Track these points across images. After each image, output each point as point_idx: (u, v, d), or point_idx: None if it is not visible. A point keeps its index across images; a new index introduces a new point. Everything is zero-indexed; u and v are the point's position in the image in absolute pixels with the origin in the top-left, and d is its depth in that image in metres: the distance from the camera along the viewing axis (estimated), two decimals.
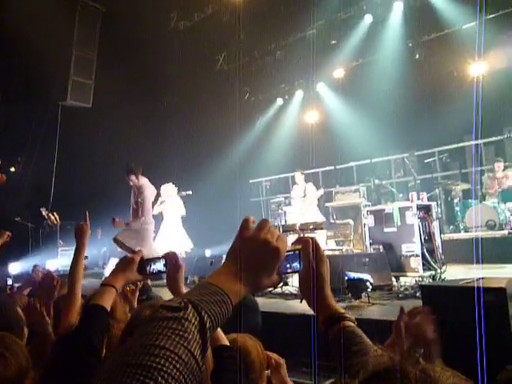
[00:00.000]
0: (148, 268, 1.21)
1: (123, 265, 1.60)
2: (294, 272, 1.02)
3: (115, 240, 7.33)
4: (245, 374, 1.41)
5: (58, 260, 8.85)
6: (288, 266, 0.99)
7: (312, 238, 1.05)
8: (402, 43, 10.32)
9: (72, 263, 2.34)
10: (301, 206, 8.62)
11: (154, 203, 7.66)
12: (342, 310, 1.08)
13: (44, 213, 9.14)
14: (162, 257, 1.20)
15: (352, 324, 1.06)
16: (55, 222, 8.83)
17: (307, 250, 1.03)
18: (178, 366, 0.62)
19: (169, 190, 8.47)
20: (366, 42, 10.53)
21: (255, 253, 0.85)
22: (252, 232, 0.87)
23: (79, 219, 2.52)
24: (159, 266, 1.26)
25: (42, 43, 9.71)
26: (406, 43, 10.32)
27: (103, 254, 11.00)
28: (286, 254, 0.94)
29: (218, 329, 1.51)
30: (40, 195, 10.69)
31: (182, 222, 8.47)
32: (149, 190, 7.38)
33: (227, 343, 1.53)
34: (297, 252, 1.01)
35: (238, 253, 0.86)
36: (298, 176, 9.05)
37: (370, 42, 10.51)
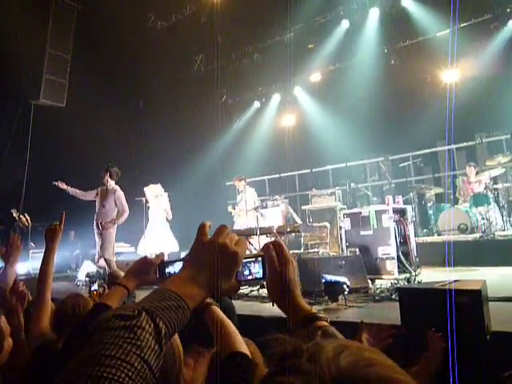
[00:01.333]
0: (167, 270, 1.17)
1: (140, 266, 1.57)
2: (256, 279, 0.98)
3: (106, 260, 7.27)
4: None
5: (28, 263, 8.62)
6: (249, 272, 0.96)
7: (275, 242, 1.02)
8: (378, 49, 10.49)
9: (41, 267, 2.26)
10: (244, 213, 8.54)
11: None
12: (315, 310, 1.04)
13: (15, 214, 8.91)
14: (182, 259, 1.14)
15: (326, 323, 1.01)
16: (26, 223, 8.61)
17: (270, 255, 0.99)
18: (129, 374, 0.61)
19: (155, 190, 8.41)
20: (342, 46, 10.66)
21: (213, 257, 0.84)
22: (210, 237, 0.87)
23: (51, 221, 2.45)
24: (177, 268, 1.21)
25: (15, 41, 9.49)
26: (381, 49, 10.50)
27: (76, 256, 10.78)
28: (248, 260, 0.94)
29: (236, 334, 1.48)
30: (11, 196, 10.41)
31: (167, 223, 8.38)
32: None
33: (244, 348, 1.42)
34: (259, 259, 0.97)
35: (196, 258, 0.86)
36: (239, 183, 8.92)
37: (347, 47, 10.65)
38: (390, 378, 0.57)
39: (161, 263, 1.16)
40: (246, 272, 0.95)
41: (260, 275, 0.96)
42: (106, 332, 0.66)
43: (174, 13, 11.78)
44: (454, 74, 9.72)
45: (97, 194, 7.59)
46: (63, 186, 7.42)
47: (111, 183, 7.52)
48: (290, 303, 1.01)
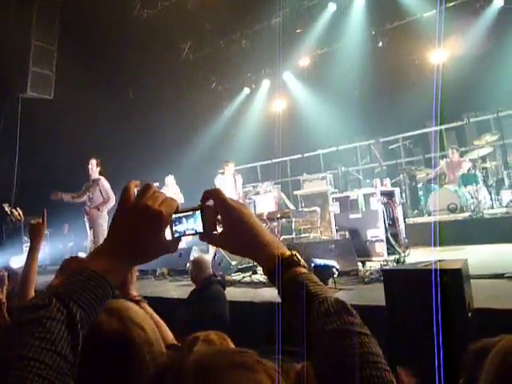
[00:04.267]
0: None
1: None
2: (194, 234, 0.90)
3: None
4: None
5: (23, 256, 8.64)
6: (185, 228, 0.89)
7: (211, 190, 0.90)
8: (366, 31, 10.45)
9: (25, 264, 2.29)
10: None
11: None
12: (289, 253, 0.87)
13: (7, 208, 8.90)
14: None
15: (305, 270, 0.86)
16: (19, 217, 8.61)
17: (210, 207, 0.88)
18: (39, 372, 0.60)
19: (168, 181, 8.75)
20: (330, 30, 10.62)
21: (133, 221, 0.79)
22: (132, 200, 0.81)
23: (41, 214, 2.46)
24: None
25: (0, 33, 9.38)
26: (369, 31, 10.46)
27: (70, 248, 10.82)
28: (183, 215, 0.88)
29: (165, 328, 1.49)
30: (2, 190, 10.39)
31: None
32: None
33: (172, 340, 1.47)
34: (197, 212, 0.89)
35: (117, 225, 0.81)
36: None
37: (334, 30, 10.61)
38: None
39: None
40: (183, 227, 0.89)
41: (199, 229, 0.89)
42: (16, 328, 0.65)
43: (161, 0, 11.65)
44: (441, 55, 9.72)
45: (85, 190, 7.68)
46: (57, 196, 7.52)
47: (95, 174, 7.68)
48: (256, 252, 0.87)
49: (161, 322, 1.50)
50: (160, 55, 11.44)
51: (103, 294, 0.73)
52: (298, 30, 10.89)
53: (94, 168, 7.65)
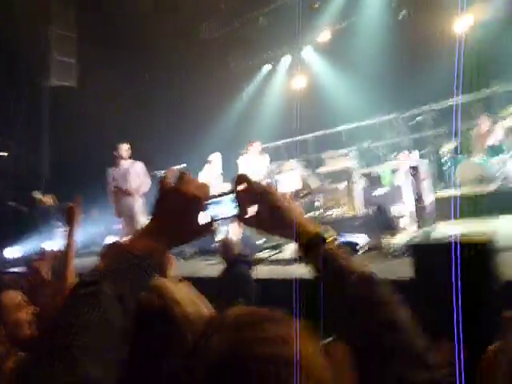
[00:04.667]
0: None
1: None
2: (229, 217, 0.95)
3: None
4: None
5: (55, 241, 8.93)
6: (219, 212, 0.93)
7: (240, 175, 0.95)
8: (386, 3, 10.18)
9: (64, 247, 2.39)
10: None
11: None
12: (319, 230, 0.92)
13: (38, 196, 9.16)
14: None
15: (338, 246, 0.91)
16: (51, 203, 8.86)
17: (243, 190, 0.93)
18: (94, 338, 0.66)
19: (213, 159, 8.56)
20: (348, 3, 10.38)
21: (172, 205, 0.86)
22: (171, 186, 0.88)
23: (74, 200, 2.55)
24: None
25: (22, 23, 9.51)
26: (389, 3, 10.18)
27: (101, 232, 11.07)
28: (217, 199, 0.93)
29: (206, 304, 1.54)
30: (34, 178, 10.68)
31: None
32: None
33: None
34: (229, 196, 0.93)
35: (156, 209, 0.87)
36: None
37: (353, 3, 10.36)
38: (274, 354, 0.60)
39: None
40: (217, 211, 0.93)
41: (233, 212, 0.94)
42: (72, 300, 0.72)
43: None
44: (466, 21, 9.41)
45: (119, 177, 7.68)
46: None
47: (127, 158, 7.69)
48: (291, 230, 0.92)
49: (204, 300, 1.54)
50: (178, 36, 11.40)
51: (146, 272, 0.80)
52: (316, 5, 10.69)
53: (124, 153, 7.61)
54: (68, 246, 2.37)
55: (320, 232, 0.91)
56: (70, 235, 2.39)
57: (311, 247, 0.90)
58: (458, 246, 2.24)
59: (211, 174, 8.19)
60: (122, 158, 7.59)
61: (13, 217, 10.08)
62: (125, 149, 7.61)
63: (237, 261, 4.51)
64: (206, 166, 8.53)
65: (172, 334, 1.01)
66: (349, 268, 0.85)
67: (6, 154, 12.19)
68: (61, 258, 2.42)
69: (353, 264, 0.87)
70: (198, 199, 0.87)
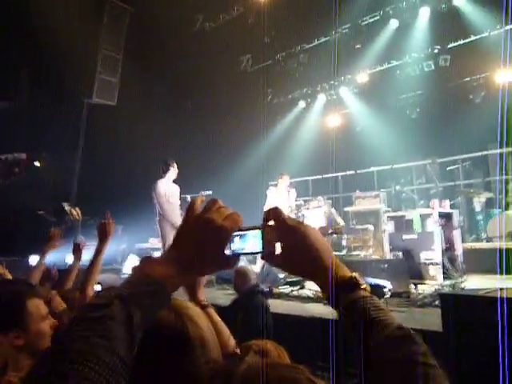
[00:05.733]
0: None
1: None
2: (254, 253, 0.91)
3: None
4: None
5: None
6: (245, 246, 0.89)
7: (270, 209, 0.89)
8: (428, 49, 10.23)
9: (90, 262, 2.38)
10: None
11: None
12: (350, 275, 0.86)
13: (66, 208, 9.30)
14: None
15: (366, 294, 0.84)
16: (77, 217, 8.97)
17: (271, 227, 0.88)
18: (96, 368, 0.61)
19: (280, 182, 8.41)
20: (391, 46, 10.46)
21: (197, 234, 0.81)
22: (198, 213, 0.83)
23: (100, 216, 2.55)
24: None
25: (71, 42, 9.90)
26: (431, 49, 10.22)
27: (122, 250, 11.13)
28: (243, 233, 0.88)
29: (228, 336, 1.49)
30: (63, 190, 10.88)
31: None
32: None
33: (235, 349, 1.48)
34: (257, 231, 0.88)
35: (181, 236, 0.83)
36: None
37: (396, 47, 10.44)
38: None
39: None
40: (243, 245, 0.89)
41: (258, 248, 0.89)
42: (78, 323, 0.67)
43: (222, 14, 11.95)
44: (507, 74, 9.34)
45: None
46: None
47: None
48: (316, 274, 0.87)
49: (224, 328, 1.50)
50: (220, 67, 11.69)
51: (161, 299, 0.76)
52: (358, 46, 10.81)
53: (175, 172, 7.26)
54: (94, 261, 2.36)
55: (355, 277, 0.85)
56: (99, 251, 2.37)
57: (343, 292, 0.83)
58: (505, 301, 2.10)
59: (277, 198, 8.13)
60: (171, 175, 7.21)
61: (39, 226, 10.23)
62: (176, 167, 7.30)
63: (252, 292, 4.39)
64: (272, 188, 8.48)
65: (183, 352, 0.97)
66: (374, 319, 0.78)
67: (39, 164, 12.50)
68: (85, 272, 2.40)
69: (380, 314, 0.80)
70: (226, 230, 0.82)
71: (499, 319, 2.20)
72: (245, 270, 4.63)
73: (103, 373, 0.61)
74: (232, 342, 1.48)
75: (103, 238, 2.37)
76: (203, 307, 1.47)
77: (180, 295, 1.09)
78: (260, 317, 4.19)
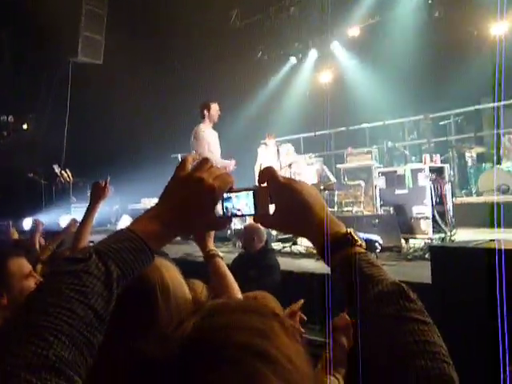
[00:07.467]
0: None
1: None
2: (246, 215, 0.90)
3: None
4: None
5: (71, 216, 9.00)
6: (237, 207, 0.87)
7: (265, 170, 0.86)
8: (422, 0, 9.94)
9: (80, 223, 2.36)
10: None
11: None
12: (344, 231, 0.83)
13: (57, 170, 9.24)
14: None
15: (360, 249, 0.81)
16: (68, 178, 8.93)
17: (264, 188, 0.85)
18: (70, 321, 0.60)
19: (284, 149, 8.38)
20: None
21: (186, 192, 0.79)
22: (187, 172, 0.81)
23: (91, 176, 2.51)
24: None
25: None
26: (425, 0, 9.93)
27: (115, 211, 11.15)
28: (236, 194, 0.87)
29: (235, 288, 1.49)
30: (53, 152, 10.76)
31: None
32: None
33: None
34: (249, 192, 0.86)
35: (168, 194, 0.81)
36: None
37: None
38: (248, 343, 0.55)
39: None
40: (236, 207, 0.87)
41: (251, 211, 0.87)
42: (54, 277, 0.66)
43: None
44: (502, 27, 9.15)
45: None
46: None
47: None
48: (309, 231, 0.84)
49: (233, 282, 1.51)
50: (208, 22, 11.34)
51: (142, 257, 0.73)
52: None
53: (216, 114, 6.41)
54: (85, 220, 2.33)
55: (340, 233, 0.82)
56: (90, 210, 2.34)
57: (337, 248, 0.80)
58: (496, 252, 2.12)
59: (267, 156, 8.07)
60: (211, 119, 6.42)
61: (31, 188, 10.19)
62: (217, 109, 6.43)
63: (267, 249, 4.42)
64: (262, 146, 8.36)
65: (153, 312, 0.96)
66: (368, 275, 0.76)
67: (25, 126, 12.30)
68: (76, 233, 2.39)
69: (374, 271, 0.77)
70: (215, 190, 0.79)
71: (488, 270, 2.23)
72: (256, 227, 4.48)
73: (77, 326, 0.60)
74: (236, 290, 1.50)
75: (96, 199, 2.33)
76: (212, 257, 1.50)
77: None
78: (276, 274, 4.23)
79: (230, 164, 6.36)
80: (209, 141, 6.30)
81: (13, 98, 10.87)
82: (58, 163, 9.67)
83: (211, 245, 1.54)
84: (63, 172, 9.05)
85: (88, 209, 2.35)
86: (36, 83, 11.05)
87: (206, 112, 6.34)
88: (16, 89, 10.83)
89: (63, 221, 8.22)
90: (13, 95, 10.72)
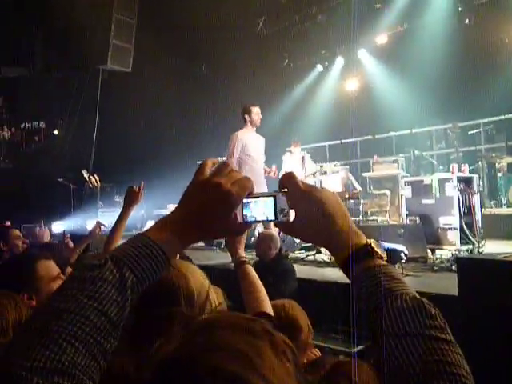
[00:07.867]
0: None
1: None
2: (266, 221, 0.88)
3: None
4: (293, 339, 1.35)
5: (96, 219, 9.15)
6: (257, 213, 0.85)
7: (284, 175, 0.85)
8: (452, 7, 9.79)
9: (113, 226, 2.35)
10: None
11: None
12: (364, 242, 0.80)
13: (85, 175, 9.42)
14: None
15: (381, 262, 0.78)
16: (96, 183, 9.09)
17: (285, 194, 0.84)
18: (83, 327, 0.61)
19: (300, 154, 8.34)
20: (412, 6, 10.02)
21: (204, 197, 0.77)
22: (206, 176, 0.79)
23: (119, 182, 2.54)
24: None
25: (83, 7, 9.78)
26: (455, 7, 9.78)
27: (141, 216, 11.29)
28: (257, 200, 0.84)
29: (264, 295, 1.48)
30: (82, 157, 11.00)
31: None
32: None
33: (269, 310, 1.47)
34: (270, 198, 0.84)
35: (186, 199, 0.79)
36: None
37: (417, 5, 10.00)
38: (224, 369, 0.53)
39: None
40: (256, 212, 0.85)
41: (271, 217, 0.85)
42: (69, 282, 0.67)
43: None
44: None
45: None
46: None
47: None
48: (329, 240, 0.82)
49: (259, 285, 1.50)
50: (235, 30, 11.45)
51: (157, 263, 0.72)
52: (378, 5, 10.42)
53: (258, 118, 6.24)
54: (117, 225, 2.34)
55: (361, 244, 0.79)
56: (123, 215, 2.35)
57: (356, 260, 0.78)
58: None
59: (292, 164, 8.06)
60: (253, 123, 6.20)
61: (61, 193, 10.42)
62: (258, 112, 6.22)
63: (281, 256, 4.41)
64: (287, 153, 8.35)
65: (165, 296, 0.99)
66: (387, 289, 0.73)
67: (56, 132, 12.63)
68: (108, 237, 2.40)
69: (394, 285, 0.74)
70: (233, 196, 0.77)
71: None
72: (272, 235, 4.46)
73: (90, 332, 0.61)
74: (268, 304, 1.49)
75: (130, 203, 2.33)
76: (241, 263, 1.52)
77: None
78: (291, 281, 4.23)
79: (272, 170, 6.34)
80: (246, 143, 6.12)
81: (44, 105, 11.18)
82: (86, 168, 9.87)
83: (242, 251, 1.54)
84: (91, 177, 9.24)
85: (121, 213, 2.36)
86: (66, 90, 11.33)
87: (246, 116, 6.19)
88: (47, 96, 11.13)
89: (90, 225, 8.38)
90: (44, 102, 11.02)
